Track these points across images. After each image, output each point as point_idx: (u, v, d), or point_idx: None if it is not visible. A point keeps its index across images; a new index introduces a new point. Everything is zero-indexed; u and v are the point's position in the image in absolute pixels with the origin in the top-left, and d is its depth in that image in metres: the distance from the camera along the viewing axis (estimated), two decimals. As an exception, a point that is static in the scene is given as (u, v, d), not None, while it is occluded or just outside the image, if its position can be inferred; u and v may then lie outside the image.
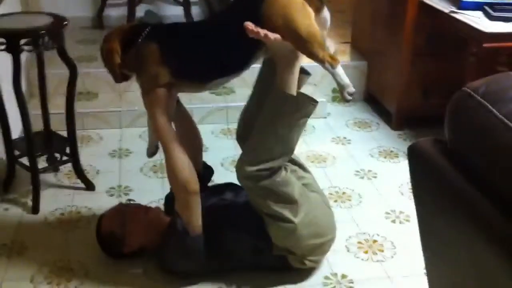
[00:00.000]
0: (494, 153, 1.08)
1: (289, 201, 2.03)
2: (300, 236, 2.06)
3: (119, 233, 2.19)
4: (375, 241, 2.44)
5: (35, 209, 2.58)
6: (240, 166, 2.02)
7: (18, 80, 2.43)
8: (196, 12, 4.29)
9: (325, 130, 3.44)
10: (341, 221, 2.41)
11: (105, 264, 2.25)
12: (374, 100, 3.71)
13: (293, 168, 2.20)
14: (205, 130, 3.27)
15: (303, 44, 1.82)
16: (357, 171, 2.99)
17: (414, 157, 1.28)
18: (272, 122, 1.99)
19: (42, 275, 2.20)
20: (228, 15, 2.02)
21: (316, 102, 2.02)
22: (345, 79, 1.86)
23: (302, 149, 3.18)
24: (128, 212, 2.24)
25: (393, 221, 2.58)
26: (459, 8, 2.92)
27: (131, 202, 2.37)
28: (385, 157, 3.14)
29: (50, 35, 2.44)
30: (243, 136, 2.21)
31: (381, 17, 3.53)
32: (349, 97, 1.87)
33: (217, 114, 3.41)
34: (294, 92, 1.97)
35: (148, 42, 1.98)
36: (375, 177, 2.95)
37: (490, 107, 1.11)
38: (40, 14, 2.72)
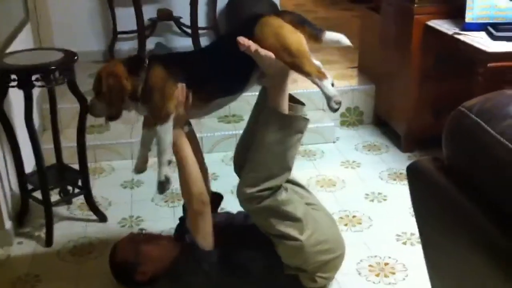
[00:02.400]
0: (490, 170, 1.10)
1: (293, 219, 2.06)
2: (309, 254, 2.08)
3: (132, 261, 2.21)
4: (386, 263, 2.43)
5: (48, 242, 2.61)
6: (240, 190, 2.06)
7: (30, 115, 2.49)
8: (205, 43, 4.35)
9: (334, 154, 3.45)
10: (351, 245, 2.41)
11: (118, 294, 2.27)
12: (383, 123, 3.72)
13: (295, 189, 2.22)
14: (215, 159, 3.32)
15: (293, 59, 1.94)
16: (367, 194, 2.99)
17: (413, 175, 1.30)
18: (266, 141, 2.04)
19: (55, 306, 2.23)
20: (225, 39, 2.11)
21: (307, 119, 2.09)
22: (332, 90, 1.93)
23: (311, 174, 3.19)
24: (140, 241, 2.27)
25: (404, 243, 2.57)
26: (463, 30, 2.94)
27: (143, 231, 2.40)
28: (394, 180, 3.14)
29: (61, 70, 2.50)
30: (240, 164, 2.23)
31: (387, 40, 3.56)
32: (336, 106, 1.93)
33: (227, 142, 3.44)
34: (285, 110, 2.05)
35: (154, 66, 2.03)
36: (385, 199, 2.95)
37: (484, 125, 1.13)
38: (52, 50, 2.80)
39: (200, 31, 4.20)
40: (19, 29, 3.15)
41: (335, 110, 1.95)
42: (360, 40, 4.08)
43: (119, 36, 4.33)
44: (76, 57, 2.58)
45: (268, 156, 2.04)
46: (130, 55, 2.13)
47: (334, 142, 3.59)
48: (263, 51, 1.92)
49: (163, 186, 2.07)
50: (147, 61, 2.04)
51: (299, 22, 1.99)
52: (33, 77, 2.45)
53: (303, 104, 2.16)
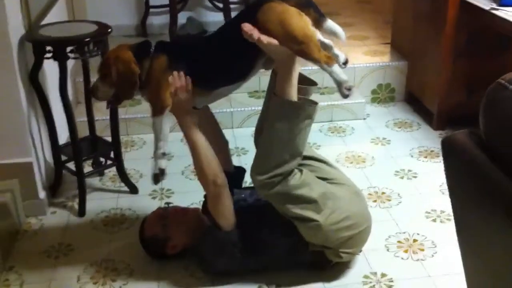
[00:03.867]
0: (527, 144, 1.08)
1: (308, 201, 2.05)
2: (328, 232, 2.07)
3: (162, 236, 2.25)
4: (415, 240, 2.43)
5: (81, 212, 2.66)
6: (251, 176, 2.06)
7: (64, 87, 2.52)
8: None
9: (365, 131, 3.43)
10: (380, 221, 2.41)
11: (149, 264, 2.31)
12: (415, 100, 3.67)
13: (315, 165, 2.21)
14: (244, 133, 3.34)
15: (299, 45, 1.85)
16: (397, 171, 2.98)
17: (449, 149, 1.28)
18: (275, 128, 2.00)
19: (88, 275, 2.28)
20: (229, 27, 2.05)
21: (316, 103, 2.03)
22: (342, 76, 1.88)
23: (341, 150, 3.19)
24: (168, 215, 2.30)
25: (434, 220, 2.56)
26: (500, 5, 2.88)
27: (170, 205, 2.41)
28: (425, 157, 3.11)
29: (95, 43, 2.52)
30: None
31: (421, 17, 3.50)
32: (347, 92, 1.89)
33: (256, 117, 3.37)
34: (293, 97, 1.98)
35: (158, 57, 2.00)
36: (415, 177, 2.93)
37: (523, 98, 1.11)
38: (85, 22, 2.81)
39: (231, 5, 4.19)
40: (53, 2, 3.18)
41: (346, 96, 1.90)
42: (393, 16, 4.02)
43: (151, 10, 4.34)
44: (110, 30, 2.60)
45: (276, 143, 2.01)
46: (139, 42, 2.09)
47: (364, 119, 3.56)
48: (266, 39, 1.84)
49: (157, 178, 2.08)
50: (153, 50, 2.00)
51: (305, 5, 1.89)
52: (68, 49, 2.48)
53: (314, 84, 2.11)
